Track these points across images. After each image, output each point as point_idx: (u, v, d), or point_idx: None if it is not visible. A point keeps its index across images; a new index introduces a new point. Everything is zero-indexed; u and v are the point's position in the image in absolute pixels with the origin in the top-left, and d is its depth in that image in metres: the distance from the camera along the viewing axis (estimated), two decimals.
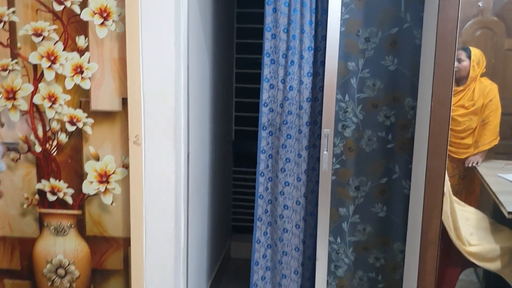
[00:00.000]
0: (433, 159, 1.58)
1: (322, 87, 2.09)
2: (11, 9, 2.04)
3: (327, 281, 2.20)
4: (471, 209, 2.26)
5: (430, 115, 1.58)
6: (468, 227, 2.23)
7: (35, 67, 2.07)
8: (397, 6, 2.03)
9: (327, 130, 2.08)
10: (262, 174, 2.33)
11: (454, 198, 2.25)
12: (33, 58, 2.06)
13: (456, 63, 2.16)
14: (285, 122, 2.25)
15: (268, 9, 2.20)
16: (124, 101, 2.03)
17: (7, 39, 2.06)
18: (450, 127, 2.23)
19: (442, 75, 1.52)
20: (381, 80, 2.09)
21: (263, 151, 2.31)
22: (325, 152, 2.09)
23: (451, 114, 2.23)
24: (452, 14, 1.47)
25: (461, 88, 2.20)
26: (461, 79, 2.21)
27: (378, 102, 2.10)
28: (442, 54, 1.51)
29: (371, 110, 2.11)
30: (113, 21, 1.99)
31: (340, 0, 2.00)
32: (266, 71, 2.25)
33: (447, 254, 2.45)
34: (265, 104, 2.27)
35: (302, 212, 2.31)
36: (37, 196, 2.16)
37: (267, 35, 2.22)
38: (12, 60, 2.07)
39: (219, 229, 3.17)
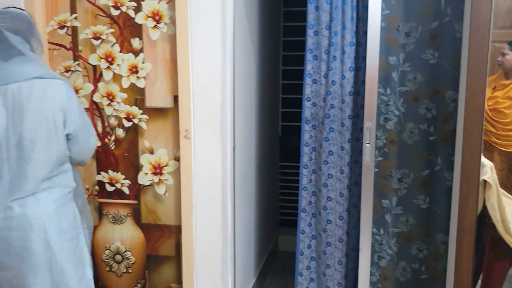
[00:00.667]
0: (467, 149, 1.61)
1: (364, 81, 2.15)
2: (73, 15, 2.23)
3: (371, 272, 2.25)
4: None
5: (465, 107, 1.61)
6: None
7: (94, 68, 2.25)
8: (437, 0, 2.06)
9: (369, 123, 2.13)
10: (305, 167, 2.41)
11: (502, 190, 2.24)
12: (93, 59, 2.24)
13: (500, 57, 2.17)
14: (327, 116, 2.32)
15: (311, 8, 2.28)
16: (175, 98, 2.18)
17: (70, 42, 2.25)
18: (497, 119, 2.23)
19: (475, 68, 1.55)
20: (422, 73, 2.12)
21: (306, 144, 2.39)
22: (367, 144, 2.14)
23: (498, 107, 2.24)
24: (485, 7, 1.50)
25: (509, 81, 2.20)
26: (509, 72, 2.21)
27: (419, 95, 2.14)
28: (475, 47, 1.54)
29: (413, 103, 2.15)
30: (164, 23, 2.14)
31: None
32: (309, 67, 2.33)
33: (495, 248, 2.43)
34: (308, 99, 2.35)
35: (345, 204, 2.37)
36: (96, 187, 2.34)
37: (310, 32, 2.30)
38: (74, 62, 2.26)
39: (266, 221, 3.28)
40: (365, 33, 2.14)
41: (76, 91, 2.26)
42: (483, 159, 2.21)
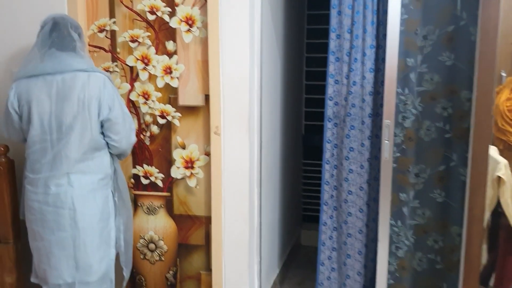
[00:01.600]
0: (477, 143, 1.73)
1: (384, 81, 2.27)
2: (112, 20, 2.41)
3: (389, 261, 2.37)
4: None
5: (475, 104, 1.72)
6: None
7: (131, 68, 2.43)
8: (453, 5, 2.17)
9: (388, 121, 2.26)
10: (327, 162, 2.55)
11: None
12: (130, 61, 2.42)
13: None
14: (348, 114, 2.45)
15: (333, 12, 2.41)
16: (206, 97, 2.34)
17: (109, 45, 2.43)
18: None
19: (485, 68, 1.67)
20: (439, 74, 2.23)
21: (329, 141, 2.53)
22: (386, 141, 2.26)
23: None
24: (494, 13, 1.61)
25: None
26: None
27: (436, 95, 2.25)
28: (485, 49, 1.66)
29: (429, 102, 2.27)
30: (197, 27, 2.30)
31: (399, 2, 2.17)
32: (331, 68, 2.47)
33: (509, 243, 2.53)
34: (330, 98, 2.49)
35: (365, 197, 2.50)
36: (132, 180, 2.52)
37: (332, 35, 2.44)
38: (112, 63, 2.44)
39: (289, 216, 3.42)
40: (385, 36, 2.26)
41: None
42: (498, 157, 2.32)
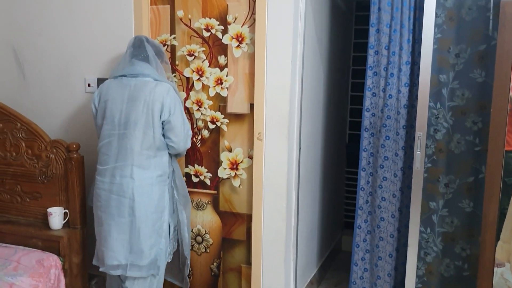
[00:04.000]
0: (492, 154, 1.86)
1: (417, 96, 2.42)
2: (173, 36, 2.71)
3: (417, 266, 2.51)
4: None
5: (490, 120, 1.86)
6: None
7: (187, 79, 2.72)
8: (485, 25, 2.30)
9: (420, 133, 2.40)
10: (363, 169, 2.73)
11: None
12: (187, 72, 2.71)
13: None
14: (384, 125, 2.62)
15: (372, 30, 2.60)
16: (251, 106, 2.58)
17: (169, 58, 2.73)
18: None
19: (500, 86, 1.80)
20: (470, 90, 2.37)
21: (365, 150, 2.71)
22: (418, 152, 2.41)
23: None
24: (509, 37, 1.74)
25: None
26: None
27: (466, 110, 2.38)
28: (500, 71, 1.79)
29: (460, 117, 2.40)
30: (246, 44, 2.56)
31: (433, 22, 2.32)
32: (369, 82, 2.65)
33: None
34: (367, 109, 2.67)
35: (397, 204, 2.66)
36: (184, 178, 2.79)
37: (371, 52, 2.62)
38: (172, 74, 2.74)
39: (330, 219, 3.59)
40: (420, 54, 2.42)
41: None
42: None
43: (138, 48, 2.36)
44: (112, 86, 2.34)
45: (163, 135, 2.34)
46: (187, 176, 2.79)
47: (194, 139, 2.74)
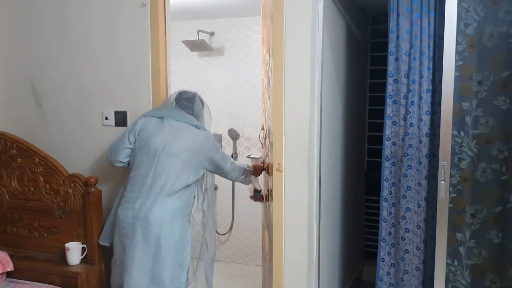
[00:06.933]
0: None
1: (440, 124, 2.37)
2: None
3: None
4: None
5: None
6: None
7: None
8: (508, 51, 2.25)
9: (444, 162, 2.34)
10: (385, 200, 2.66)
11: None
12: None
13: None
14: (406, 154, 2.56)
15: (391, 59, 2.57)
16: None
17: None
18: None
19: None
20: (494, 118, 2.30)
21: (386, 179, 2.65)
22: (442, 181, 2.35)
23: None
24: None
25: None
26: None
27: (491, 138, 2.32)
28: None
29: (485, 145, 2.33)
30: None
31: (454, 49, 2.28)
32: (389, 110, 2.60)
33: None
34: (388, 138, 2.62)
35: (422, 235, 2.58)
36: None
37: (390, 80, 2.59)
38: None
39: (351, 250, 3.51)
40: (441, 81, 2.38)
41: None
42: None
43: (185, 101, 2.52)
44: (155, 124, 2.44)
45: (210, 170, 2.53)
46: None
47: None
